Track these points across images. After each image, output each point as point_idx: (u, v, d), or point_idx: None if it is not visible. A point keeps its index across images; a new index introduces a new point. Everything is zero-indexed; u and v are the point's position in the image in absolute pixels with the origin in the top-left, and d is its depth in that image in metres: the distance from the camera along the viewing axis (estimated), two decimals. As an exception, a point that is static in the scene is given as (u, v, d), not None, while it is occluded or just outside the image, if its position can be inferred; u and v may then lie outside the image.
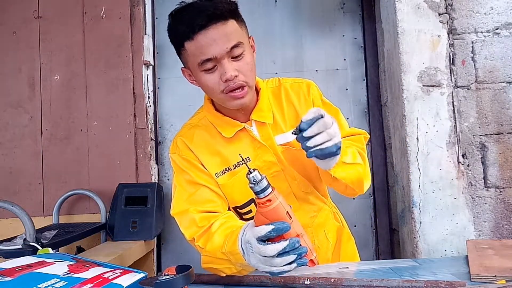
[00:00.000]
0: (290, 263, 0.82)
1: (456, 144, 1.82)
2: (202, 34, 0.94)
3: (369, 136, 1.18)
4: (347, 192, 1.08)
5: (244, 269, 0.97)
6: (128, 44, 2.17)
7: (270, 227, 0.80)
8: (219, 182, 1.09)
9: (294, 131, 0.87)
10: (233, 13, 0.98)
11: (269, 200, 0.81)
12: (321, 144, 0.84)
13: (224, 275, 1.01)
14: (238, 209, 1.14)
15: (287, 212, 0.83)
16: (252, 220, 0.87)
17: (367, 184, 1.08)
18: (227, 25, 0.96)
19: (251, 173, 0.81)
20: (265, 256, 0.81)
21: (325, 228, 1.21)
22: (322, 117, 0.84)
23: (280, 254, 0.80)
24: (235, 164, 1.10)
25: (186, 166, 1.09)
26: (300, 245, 0.82)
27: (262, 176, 0.81)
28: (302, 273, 1.05)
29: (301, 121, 0.85)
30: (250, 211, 1.13)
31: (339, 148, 0.88)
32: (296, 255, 0.81)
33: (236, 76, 0.97)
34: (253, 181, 0.80)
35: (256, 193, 0.81)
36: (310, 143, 0.84)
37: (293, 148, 1.10)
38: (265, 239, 0.82)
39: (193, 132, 1.13)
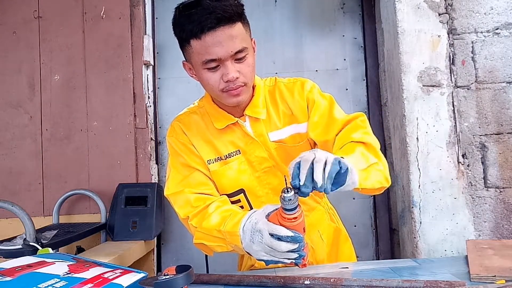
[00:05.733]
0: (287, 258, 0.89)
1: (456, 144, 1.82)
2: (210, 36, 0.96)
3: (365, 116, 1.13)
4: (379, 191, 1.04)
5: (234, 250, 1.01)
6: (128, 44, 2.17)
7: (290, 234, 0.85)
8: (210, 169, 1.13)
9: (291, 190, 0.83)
10: (240, 16, 1.01)
11: (295, 218, 0.85)
12: (324, 175, 0.81)
13: (211, 253, 1.07)
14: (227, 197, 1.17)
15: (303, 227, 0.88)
16: (263, 212, 0.91)
17: (388, 175, 1.05)
18: (234, 28, 0.98)
19: (287, 192, 0.81)
20: (274, 250, 0.86)
21: (319, 228, 1.22)
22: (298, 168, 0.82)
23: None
24: (226, 155, 1.13)
25: (182, 150, 1.14)
26: (303, 249, 0.89)
27: (295, 196, 0.82)
28: (302, 273, 1.05)
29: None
30: (239, 200, 1.16)
31: (343, 167, 0.83)
32: (297, 255, 0.88)
33: (237, 78, 1.01)
34: (288, 199, 0.82)
35: (285, 210, 0.84)
36: (319, 183, 0.80)
37: (285, 144, 1.13)
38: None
39: (190, 118, 1.17)
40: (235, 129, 1.13)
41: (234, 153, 1.13)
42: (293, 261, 0.90)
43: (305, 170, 0.81)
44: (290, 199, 0.81)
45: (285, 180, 0.84)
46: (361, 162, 0.95)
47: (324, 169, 0.81)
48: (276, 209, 0.89)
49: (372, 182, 0.96)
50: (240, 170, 1.13)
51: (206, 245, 1.04)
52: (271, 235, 0.86)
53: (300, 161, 0.84)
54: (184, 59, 1.09)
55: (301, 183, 0.81)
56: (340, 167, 0.83)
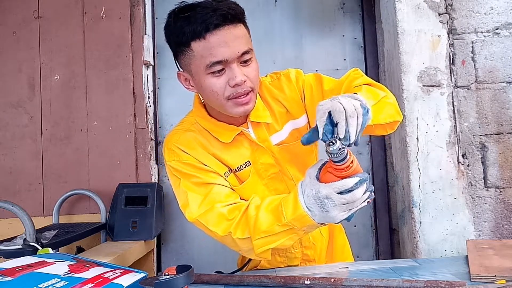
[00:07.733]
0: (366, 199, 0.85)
1: (456, 144, 1.82)
2: (215, 35, 0.91)
3: (359, 69, 1.09)
4: (391, 127, 1.02)
5: (306, 233, 0.95)
6: (128, 44, 2.16)
7: (357, 179, 0.81)
8: (229, 181, 1.06)
9: (330, 141, 0.78)
10: (243, 18, 0.97)
11: (352, 162, 0.81)
12: (357, 129, 0.78)
13: (270, 256, 0.98)
14: None
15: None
16: (311, 180, 0.85)
17: (399, 108, 1.02)
18: (239, 28, 0.94)
19: (333, 144, 0.76)
20: (351, 202, 0.82)
21: None
22: (330, 114, 0.77)
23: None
24: (236, 168, 1.07)
25: (190, 170, 1.04)
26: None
27: (342, 144, 0.77)
28: (302, 273, 1.05)
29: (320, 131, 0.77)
30: None
31: (368, 110, 0.81)
32: (370, 191, 0.85)
33: (245, 81, 0.94)
34: (337, 149, 0.77)
35: (338, 162, 0.80)
36: (352, 138, 0.78)
37: (287, 144, 1.09)
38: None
39: (186, 136, 1.07)
40: (240, 139, 1.06)
41: (244, 165, 1.06)
42: (369, 200, 0.86)
43: (343, 127, 0.76)
44: (340, 148, 0.76)
45: (334, 135, 0.78)
46: (370, 98, 0.90)
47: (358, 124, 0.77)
48: (321, 168, 0.85)
49: (385, 116, 0.93)
50: (253, 182, 1.07)
51: (271, 248, 0.95)
52: (340, 193, 0.81)
53: (330, 112, 0.76)
54: (179, 69, 1.01)
55: (348, 138, 0.76)
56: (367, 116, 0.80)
